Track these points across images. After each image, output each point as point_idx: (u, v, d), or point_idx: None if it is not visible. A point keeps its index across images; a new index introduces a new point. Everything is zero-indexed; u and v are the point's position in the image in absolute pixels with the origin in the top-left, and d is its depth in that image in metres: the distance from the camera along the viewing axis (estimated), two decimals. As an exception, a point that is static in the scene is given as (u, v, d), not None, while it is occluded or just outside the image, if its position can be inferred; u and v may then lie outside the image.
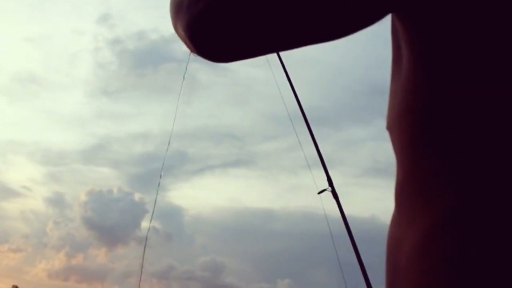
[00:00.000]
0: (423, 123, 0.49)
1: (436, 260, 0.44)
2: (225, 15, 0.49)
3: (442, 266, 0.43)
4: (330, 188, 2.20)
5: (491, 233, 0.42)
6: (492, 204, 0.42)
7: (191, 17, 0.51)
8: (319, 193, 2.26)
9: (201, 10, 0.50)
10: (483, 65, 0.45)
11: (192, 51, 0.54)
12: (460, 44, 0.46)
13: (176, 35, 0.57)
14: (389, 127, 0.56)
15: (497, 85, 0.45)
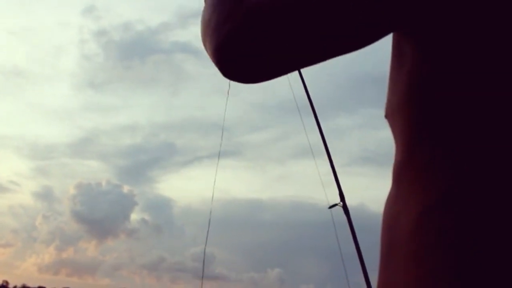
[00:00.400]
0: (424, 114, 0.52)
1: (434, 236, 0.46)
2: (249, 38, 0.52)
3: (439, 242, 0.46)
4: (341, 203, 2.21)
5: (486, 213, 0.45)
6: (487, 188, 0.45)
7: (218, 41, 0.55)
8: (330, 207, 2.26)
9: (227, 34, 0.54)
10: (482, 65, 0.48)
11: (218, 67, 0.57)
12: (461, 46, 0.49)
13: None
14: (389, 114, 0.58)
15: (494, 85, 0.48)
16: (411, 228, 0.49)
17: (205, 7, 0.62)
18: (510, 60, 0.47)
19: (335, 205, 2.23)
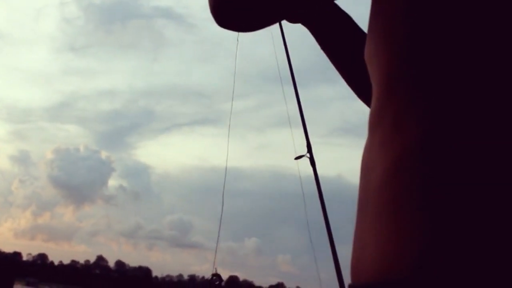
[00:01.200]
0: (403, 57, 0.51)
1: (408, 182, 0.46)
2: None
3: (413, 188, 0.45)
4: (308, 154, 2.20)
5: (462, 158, 0.44)
6: (464, 133, 0.45)
7: None
8: (296, 158, 2.25)
9: None
10: (465, 10, 0.48)
11: (216, 20, 0.62)
12: None
13: None
14: (368, 58, 0.58)
15: (476, 31, 0.47)
16: (382, 179, 0.49)
17: None
18: (493, 15, 0.47)
19: (302, 156, 2.22)
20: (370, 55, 0.57)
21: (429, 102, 0.48)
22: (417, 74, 0.49)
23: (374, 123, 0.53)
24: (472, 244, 0.41)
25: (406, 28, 0.51)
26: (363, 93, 0.88)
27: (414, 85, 0.49)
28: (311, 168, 2.14)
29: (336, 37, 0.90)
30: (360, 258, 0.50)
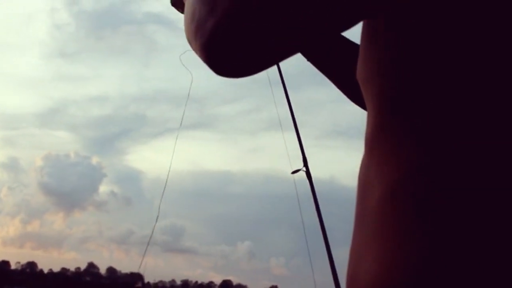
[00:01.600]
0: (399, 86, 0.52)
1: (405, 204, 0.48)
2: (234, 31, 0.51)
3: (410, 210, 0.47)
4: (304, 168, 2.21)
5: (457, 185, 0.46)
6: (457, 164, 0.47)
7: (203, 38, 0.53)
8: (292, 173, 2.26)
9: (211, 30, 0.52)
10: (460, 48, 0.49)
11: (208, 65, 0.56)
12: (438, 29, 0.50)
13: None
14: (362, 80, 0.58)
15: (471, 65, 0.49)
16: (380, 201, 0.50)
17: (186, 8, 0.61)
18: (487, 47, 0.48)
19: (298, 170, 2.23)
20: (364, 77, 0.58)
21: (425, 128, 0.50)
22: (413, 101, 0.51)
23: (372, 144, 0.55)
24: (468, 266, 0.44)
25: (401, 54, 0.52)
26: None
27: (411, 111, 0.51)
28: (306, 174, 2.16)
29: (336, 64, 0.90)
30: (357, 274, 0.51)
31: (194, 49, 0.58)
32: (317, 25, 0.52)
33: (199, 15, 0.55)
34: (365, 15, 0.55)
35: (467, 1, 0.49)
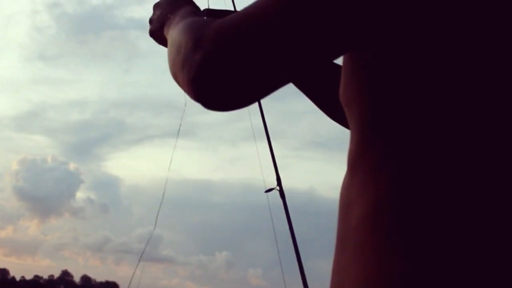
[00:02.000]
0: (378, 112, 0.55)
1: (385, 225, 0.51)
2: (222, 64, 0.51)
3: (390, 230, 0.50)
4: (278, 187, 2.20)
5: (431, 214, 0.49)
6: (434, 187, 0.50)
7: (190, 72, 0.53)
8: (266, 191, 2.25)
9: (199, 63, 0.52)
10: (434, 75, 0.51)
11: (195, 99, 0.55)
12: (416, 58, 0.52)
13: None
14: (345, 101, 0.60)
15: (445, 93, 0.51)
16: (361, 221, 0.52)
17: (170, 41, 0.61)
18: (459, 74, 0.51)
19: (272, 189, 2.22)
20: (346, 100, 0.60)
21: (403, 152, 0.52)
22: (391, 125, 0.53)
23: (354, 164, 0.57)
24: (448, 284, 0.46)
25: (378, 80, 0.54)
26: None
27: (389, 135, 0.53)
28: (279, 193, 2.15)
29: (319, 85, 0.91)
30: None
31: (180, 83, 0.57)
32: (303, 59, 0.52)
33: (186, 47, 0.55)
34: (346, 50, 0.56)
35: (437, 37, 0.51)
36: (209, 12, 0.89)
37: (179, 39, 0.57)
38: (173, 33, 0.63)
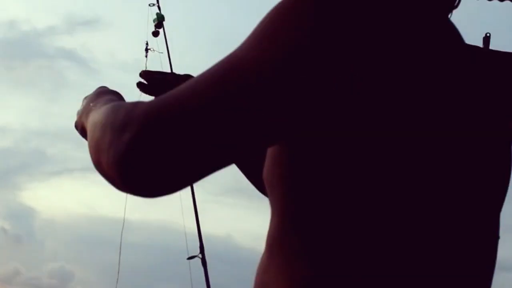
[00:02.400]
0: (297, 202, 0.56)
1: None
2: (152, 145, 0.47)
3: None
4: (200, 255, 2.15)
5: None
6: (347, 273, 0.53)
7: (117, 153, 0.49)
8: (188, 258, 2.18)
9: (127, 143, 0.48)
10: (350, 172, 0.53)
11: (121, 187, 0.51)
12: (332, 151, 0.53)
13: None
14: (268, 182, 0.60)
15: (362, 190, 0.53)
16: None
17: (92, 125, 0.58)
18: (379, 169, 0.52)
19: (194, 256, 2.16)
20: (269, 181, 0.60)
21: (322, 244, 0.54)
22: (312, 218, 0.55)
23: (273, 248, 0.59)
24: None
25: (296, 173, 0.55)
26: None
27: (310, 227, 0.55)
28: (201, 261, 2.10)
29: (251, 164, 0.91)
30: None
31: (103, 168, 0.52)
32: (235, 148, 0.50)
33: (113, 127, 0.51)
34: (275, 142, 0.55)
35: (359, 134, 0.51)
36: (146, 74, 0.90)
37: (105, 121, 0.54)
38: (95, 116, 0.59)
